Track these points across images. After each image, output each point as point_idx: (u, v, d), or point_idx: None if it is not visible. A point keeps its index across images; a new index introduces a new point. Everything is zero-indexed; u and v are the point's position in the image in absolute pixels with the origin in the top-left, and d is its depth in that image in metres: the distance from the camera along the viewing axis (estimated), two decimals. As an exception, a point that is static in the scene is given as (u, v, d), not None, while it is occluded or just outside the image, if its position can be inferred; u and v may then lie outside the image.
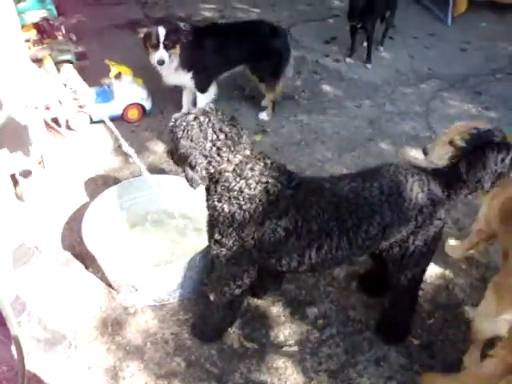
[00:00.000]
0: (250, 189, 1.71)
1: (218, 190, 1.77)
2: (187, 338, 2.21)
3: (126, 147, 2.15)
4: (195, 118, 1.72)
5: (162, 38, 3.08)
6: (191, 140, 1.71)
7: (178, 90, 4.04)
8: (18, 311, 2.01)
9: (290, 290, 2.45)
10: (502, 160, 1.67)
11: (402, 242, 1.83)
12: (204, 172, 1.75)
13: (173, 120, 1.79)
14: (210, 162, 1.73)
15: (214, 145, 1.71)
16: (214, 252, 1.88)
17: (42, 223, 2.73)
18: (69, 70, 1.69)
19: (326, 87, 4.29)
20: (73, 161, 3.19)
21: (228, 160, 1.73)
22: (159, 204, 2.66)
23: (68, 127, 3.38)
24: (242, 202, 1.71)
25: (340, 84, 4.33)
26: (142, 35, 3.26)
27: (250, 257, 1.83)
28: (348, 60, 4.65)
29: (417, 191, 1.75)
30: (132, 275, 2.18)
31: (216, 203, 1.78)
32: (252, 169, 1.73)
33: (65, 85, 1.65)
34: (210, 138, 1.71)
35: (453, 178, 1.79)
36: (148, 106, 3.57)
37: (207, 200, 1.85)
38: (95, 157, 3.27)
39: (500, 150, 1.67)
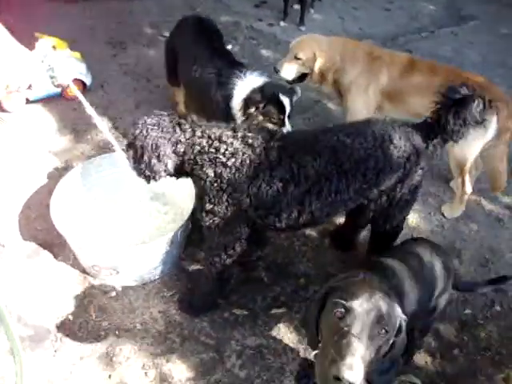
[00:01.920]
0: (226, 144, 1.73)
1: (196, 159, 1.77)
2: (176, 313, 2.20)
3: (98, 121, 2.00)
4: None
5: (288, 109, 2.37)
6: (162, 131, 1.73)
7: (116, 62, 3.85)
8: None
9: (266, 254, 2.50)
10: (479, 112, 1.81)
11: (389, 190, 1.93)
12: (173, 158, 1.76)
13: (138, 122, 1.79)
14: (176, 143, 1.76)
15: (176, 124, 1.78)
16: (207, 223, 1.87)
17: (-4, 215, 2.52)
18: (45, 46, 1.53)
19: (265, 52, 4.28)
20: (15, 145, 2.93)
21: (193, 130, 1.77)
22: (125, 182, 2.55)
23: (1, 109, 3.08)
24: (225, 159, 1.72)
25: (278, 48, 4.33)
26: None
27: (247, 218, 1.83)
28: (282, 24, 4.65)
29: (404, 140, 1.85)
30: (114, 257, 2.10)
31: (199, 172, 1.78)
32: (219, 127, 1.78)
33: (42, 61, 1.51)
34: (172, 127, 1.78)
35: (430, 130, 1.92)
36: (88, 81, 3.34)
37: (192, 175, 1.83)
38: (39, 139, 3.03)
39: (478, 103, 1.80)
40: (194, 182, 1.86)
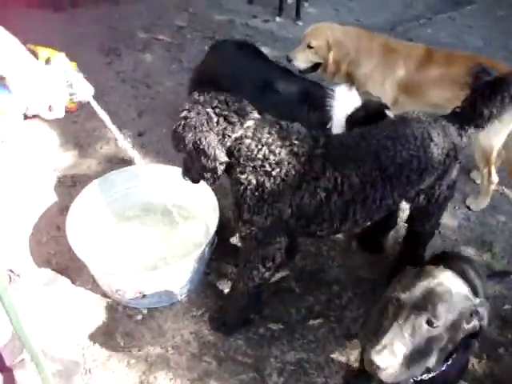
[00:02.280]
0: (274, 154, 1.61)
1: (241, 161, 1.65)
2: (208, 333, 2.08)
3: (118, 136, 1.86)
4: (188, 110, 1.64)
5: None
6: (194, 128, 1.59)
7: (112, 70, 3.70)
8: (17, 349, 1.74)
9: (294, 263, 2.40)
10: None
11: (429, 188, 1.84)
12: (221, 152, 1.61)
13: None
14: (223, 136, 1.62)
15: (219, 115, 1.62)
16: (243, 234, 1.76)
17: (6, 240, 2.36)
18: (63, 60, 1.40)
19: (263, 49, 4.12)
20: (18, 164, 2.78)
21: (241, 124, 1.64)
22: (142, 198, 2.42)
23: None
24: (270, 169, 1.60)
25: (275, 44, 4.21)
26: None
27: (286, 229, 1.73)
28: (278, 19, 4.54)
29: (443, 136, 1.76)
30: (141, 281, 1.97)
31: (240, 176, 1.65)
32: (270, 133, 1.64)
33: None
34: (212, 114, 1.62)
35: (464, 120, 1.83)
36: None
37: (231, 177, 1.72)
38: (42, 156, 2.88)
39: (508, 86, 1.72)
40: (232, 186, 1.73)
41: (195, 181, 1.83)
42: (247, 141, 1.61)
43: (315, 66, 2.76)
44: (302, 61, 2.71)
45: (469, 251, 2.49)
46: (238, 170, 1.66)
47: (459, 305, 1.31)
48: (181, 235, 2.38)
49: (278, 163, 1.59)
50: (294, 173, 1.60)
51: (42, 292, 2.14)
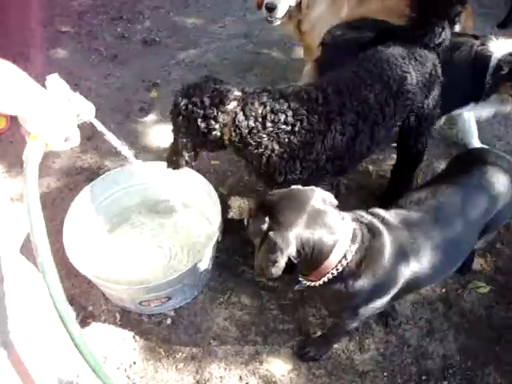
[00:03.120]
0: (285, 113, 1.62)
1: (248, 140, 1.64)
2: (242, 314, 2.09)
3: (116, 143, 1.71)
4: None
5: None
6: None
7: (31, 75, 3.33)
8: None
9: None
10: None
11: (418, 108, 1.93)
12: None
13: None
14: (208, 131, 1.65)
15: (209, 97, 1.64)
16: None
17: None
18: (58, 81, 1.22)
19: (176, 18, 3.96)
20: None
21: (221, 111, 1.64)
22: (137, 195, 2.34)
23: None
24: (289, 127, 1.61)
25: (188, 10, 4.03)
26: None
27: (322, 175, 1.77)
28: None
29: (424, 54, 1.87)
30: (168, 286, 1.89)
31: (257, 151, 1.65)
32: (261, 102, 1.64)
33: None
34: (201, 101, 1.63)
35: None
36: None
37: (244, 157, 1.71)
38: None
39: None
40: (252, 163, 1.72)
41: (178, 168, 1.85)
42: (242, 122, 1.61)
43: None
44: (284, 7, 2.47)
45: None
46: (250, 148, 1.63)
47: None
48: (186, 231, 2.31)
49: (295, 118, 1.59)
50: (316, 118, 1.61)
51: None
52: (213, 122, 1.63)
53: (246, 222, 1.47)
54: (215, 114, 1.62)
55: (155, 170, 2.18)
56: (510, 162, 1.76)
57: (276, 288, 2.16)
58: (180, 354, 1.97)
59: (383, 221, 1.52)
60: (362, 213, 1.53)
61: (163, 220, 2.33)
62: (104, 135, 1.42)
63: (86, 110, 1.25)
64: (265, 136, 1.60)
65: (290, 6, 2.50)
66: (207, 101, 1.62)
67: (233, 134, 1.65)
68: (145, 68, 3.34)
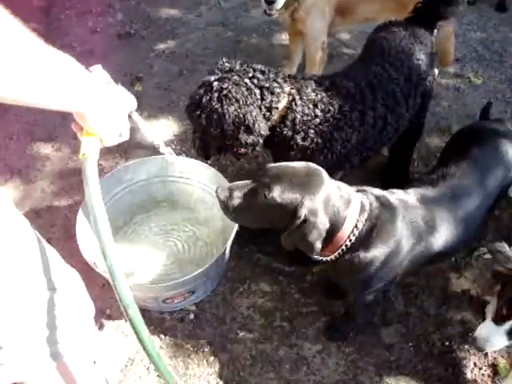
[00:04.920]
0: (332, 105, 1.63)
1: (297, 128, 1.62)
2: (264, 301, 2.09)
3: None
4: (221, 80, 1.51)
5: None
6: (236, 101, 1.48)
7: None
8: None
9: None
10: None
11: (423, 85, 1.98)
12: (265, 126, 1.54)
13: (196, 98, 1.53)
14: (269, 109, 1.57)
15: (261, 87, 1.56)
16: None
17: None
18: (101, 71, 1.15)
19: (148, 9, 3.84)
20: None
21: (283, 92, 1.59)
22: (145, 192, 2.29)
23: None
24: (335, 121, 1.62)
25: (161, 1, 3.90)
26: None
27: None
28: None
29: (424, 35, 1.95)
30: (193, 281, 1.87)
31: (303, 143, 1.64)
32: (313, 89, 1.64)
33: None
34: (251, 86, 1.51)
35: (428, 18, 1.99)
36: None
37: (277, 148, 1.68)
38: None
39: None
40: (290, 156, 1.70)
41: (208, 158, 1.80)
42: (299, 107, 1.57)
43: None
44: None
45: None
46: (297, 137, 1.63)
47: None
48: (194, 222, 2.29)
49: (340, 112, 1.58)
50: (357, 114, 1.64)
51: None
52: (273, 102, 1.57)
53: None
54: (278, 91, 1.57)
55: (186, 165, 2.17)
56: None
57: (293, 272, 2.18)
58: (208, 347, 1.96)
59: (396, 196, 1.56)
60: (373, 189, 1.56)
61: (172, 215, 2.29)
62: (139, 129, 1.36)
63: (130, 102, 1.20)
64: (312, 128, 1.60)
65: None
66: (271, 75, 1.58)
67: (289, 117, 1.61)
68: (125, 62, 3.24)
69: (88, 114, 0.95)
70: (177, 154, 2.01)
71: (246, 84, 1.51)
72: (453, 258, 2.23)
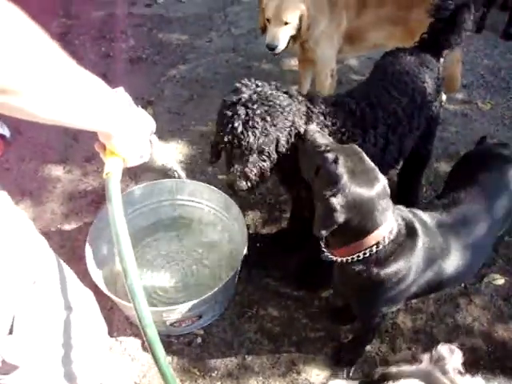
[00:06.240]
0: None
1: None
2: (272, 325, 2.08)
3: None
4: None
5: None
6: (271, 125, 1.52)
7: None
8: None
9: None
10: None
11: (429, 111, 2.02)
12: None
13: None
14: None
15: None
16: None
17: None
18: (123, 93, 1.18)
19: (159, 35, 3.94)
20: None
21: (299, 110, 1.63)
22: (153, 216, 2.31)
23: None
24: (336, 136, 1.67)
25: (171, 27, 4.01)
26: None
27: None
28: (160, 0, 4.30)
29: (432, 62, 1.99)
30: (202, 304, 1.87)
31: None
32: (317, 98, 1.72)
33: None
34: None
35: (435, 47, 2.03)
36: (7, 133, 2.77)
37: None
38: None
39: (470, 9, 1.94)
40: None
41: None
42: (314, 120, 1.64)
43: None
44: (284, 41, 2.45)
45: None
46: None
47: None
48: (202, 245, 2.30)
49: (344, 126, 1.68)
50: (359, 131, 1.70)
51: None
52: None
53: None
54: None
55: (196, 188, 2.20)
56: None
57: (302, 297, 2.17)
58: (216, 372, 1.94)
59: (421, 222, 1.57)
60: (403, 208, 1.57)
61: (180, 238, 2.31)
62: (154, 151, 1.39)
63: (150, 125, 1.23)
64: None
65: (291, 36, 2.49)
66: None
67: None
68: (136, 86, 3.30)
69: (114, 133, 0.98)
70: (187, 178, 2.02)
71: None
72: (462, 285, 2.21)
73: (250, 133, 1.48)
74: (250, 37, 3.85)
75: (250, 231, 2.40)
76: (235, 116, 1.49)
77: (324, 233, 1.37)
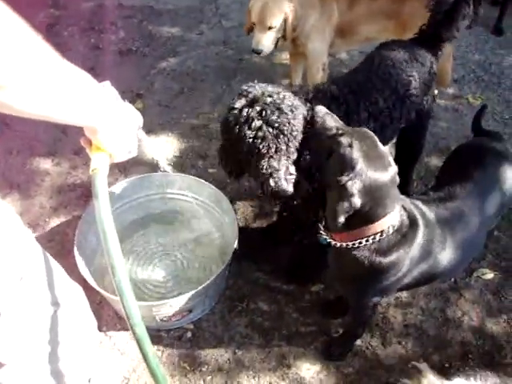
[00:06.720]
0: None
1: None
2: (262, 320, 2.07)
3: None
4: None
5: None
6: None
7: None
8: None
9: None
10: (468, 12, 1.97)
11: (419, 104, 2.03)
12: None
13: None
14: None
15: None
16: None
17: None
18: (111, 89, 1.15)
19: (150, 27, 3.89)
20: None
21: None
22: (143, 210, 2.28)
23: None
24: None
25: (161, 19, 3.97)
26: None
27: None
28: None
29: (423, 55, 1.98)
30: (192, 299, 1.85)
31: None
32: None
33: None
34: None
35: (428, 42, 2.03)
36: (-7, 124, 2.74)
37: None
38: None
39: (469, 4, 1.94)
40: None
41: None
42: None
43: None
44: (269, 46, 2.50)
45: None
46: None
47: None
48: (193, 239, 2.28)
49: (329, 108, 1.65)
50: (342, 114, 1.66)
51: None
52: None
53: None
54: None
55: (186, 182, 2.17)
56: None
57: (292, 291, 2.16)
58: (206, 366, 1.93)
59: (421, 214, 1.56)
60: (405, 199, 1.57)
61: (170, 231, 2.29)
62: (143, 145, 1.36)
63: (137, 120, 1.20)
64: None
65: (278, 38, 2.53)
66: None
67: None
68: (126, 78, 3.26)
69: (99, 128, 0.96)
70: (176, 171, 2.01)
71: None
72: (452, 279, 2.22)
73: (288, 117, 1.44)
74: (241, 30, 3.77)
75: (241, 225, 2.39)
76: (253, 111, 1.44)
77: (342, 219, 1.32)
